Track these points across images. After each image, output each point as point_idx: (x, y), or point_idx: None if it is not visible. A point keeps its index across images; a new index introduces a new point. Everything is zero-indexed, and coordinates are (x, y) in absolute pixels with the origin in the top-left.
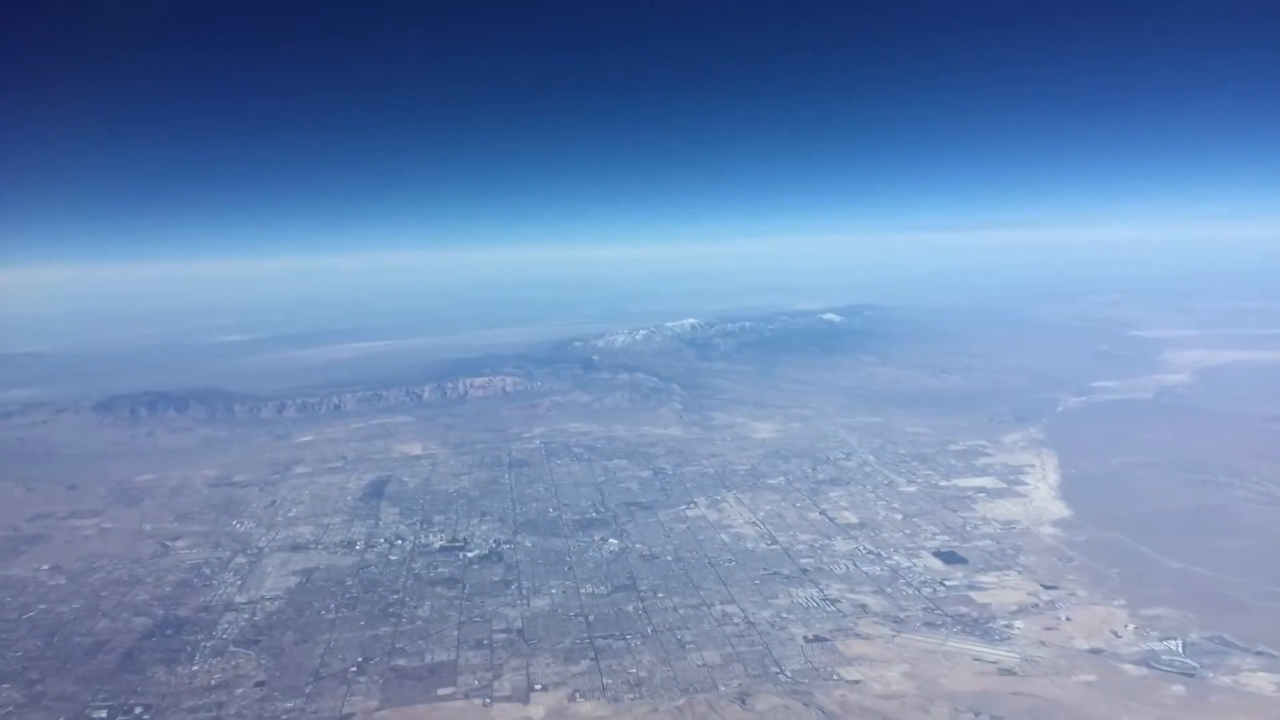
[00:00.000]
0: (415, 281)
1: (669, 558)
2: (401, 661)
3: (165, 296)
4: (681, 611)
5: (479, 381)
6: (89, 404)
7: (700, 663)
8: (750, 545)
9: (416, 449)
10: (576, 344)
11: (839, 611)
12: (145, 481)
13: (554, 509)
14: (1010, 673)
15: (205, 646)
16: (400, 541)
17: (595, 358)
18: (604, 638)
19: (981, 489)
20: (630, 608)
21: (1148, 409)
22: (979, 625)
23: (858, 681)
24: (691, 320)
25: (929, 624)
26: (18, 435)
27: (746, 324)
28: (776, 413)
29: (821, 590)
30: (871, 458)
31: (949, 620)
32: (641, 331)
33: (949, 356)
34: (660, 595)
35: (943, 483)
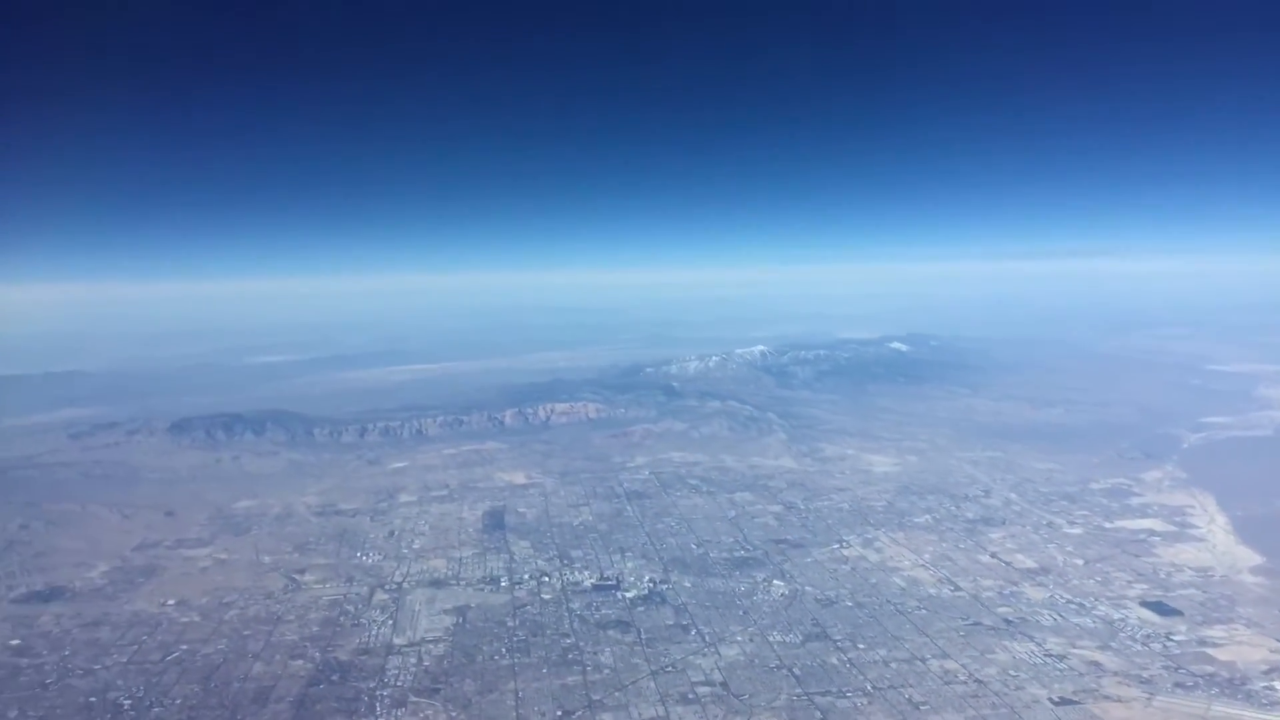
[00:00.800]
0: (429, 305)
1: (848, 603)
2: (606, 716)
3: (187, 316)
4: (894, 666)
5: (560, 407)
6: (162, 425)
7: None
8: (932, 591)
9: (520, 477)
10: (648, 370)
11: (1071, 669)
12: (245, 508)
13: (696, 545)
14: None
15: (383, 695)
16: (546, 579)
17: (675, 384)
18: (821, 695)
19: (1151, 531)
20: (834, 660)
21: (1277, 446)
22: (1236, 687)
23: None
24: (761, 347)
25: (1180, 685)
26: (95, 458)
27: (821, 352)
28: (887, 445)
29: (1039, 645)
30: (1014, 496)
31: (1200, 681)
32: (714, 358)
33: (1040, 389)
34: (861, 646)
35: (1107, 524)
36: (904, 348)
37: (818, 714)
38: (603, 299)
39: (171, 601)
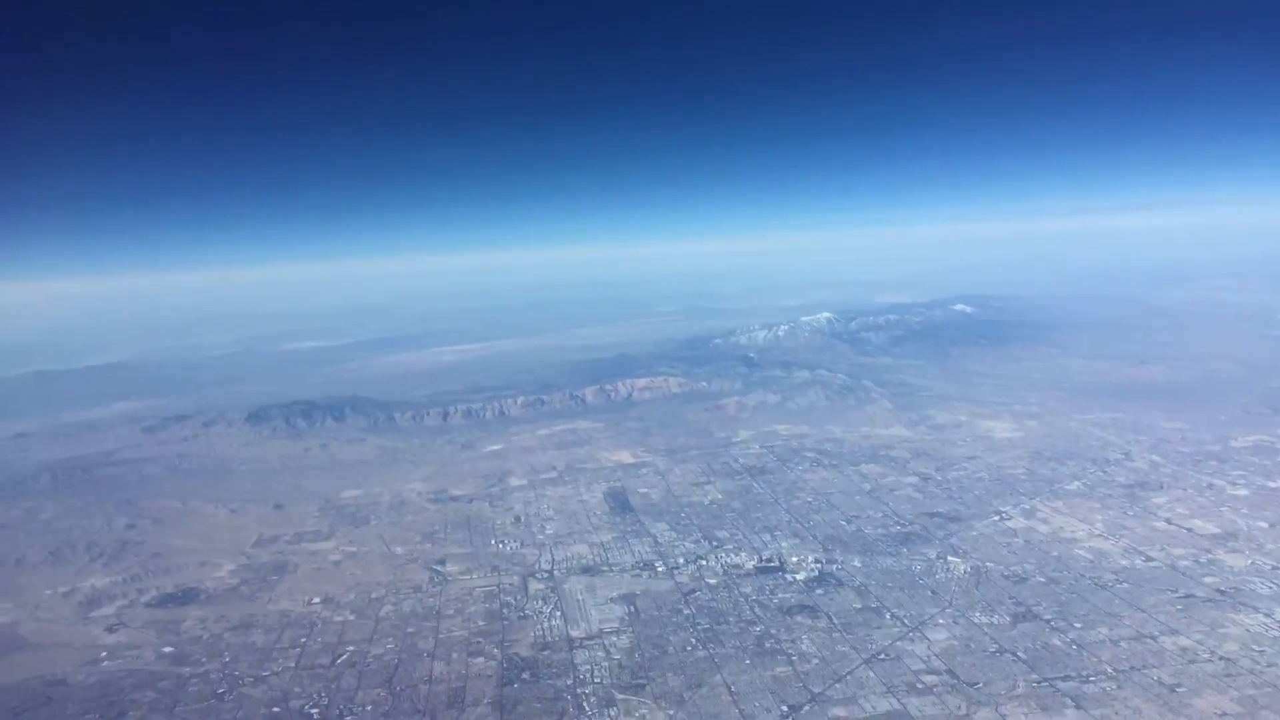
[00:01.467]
0: (435, 287)
1: (1040, 579)
2: (840, 711)
3: (201, 306)
4: (1124, 646)
5: (641, 383)
6: (239, 416)
7: (1218, 711)
8: (1124, 563)
9: (627, 456)
10: (716, 341)
11: None
12: (354, 498)
13: (845, 521)
14: None
15: (586, 694)
16: (703, 562)
17: (751, 355)
18: (1062, 680)
19: None
20: (1056, 641)
21: None
22: None
23: None
24: (826, 314)
25: None
26: (176, 451)
27: (891, 317)
28: (999, 410)
29: (1269, 616)
30: (1157, 458)
31: None
32: (783, 327)
33: (1128, 345)
34: (1078, 626)
35: (1271, 484)
36: (968, 309)
37: (1068, 701)
38: (613, 274)
39: (317, 599)
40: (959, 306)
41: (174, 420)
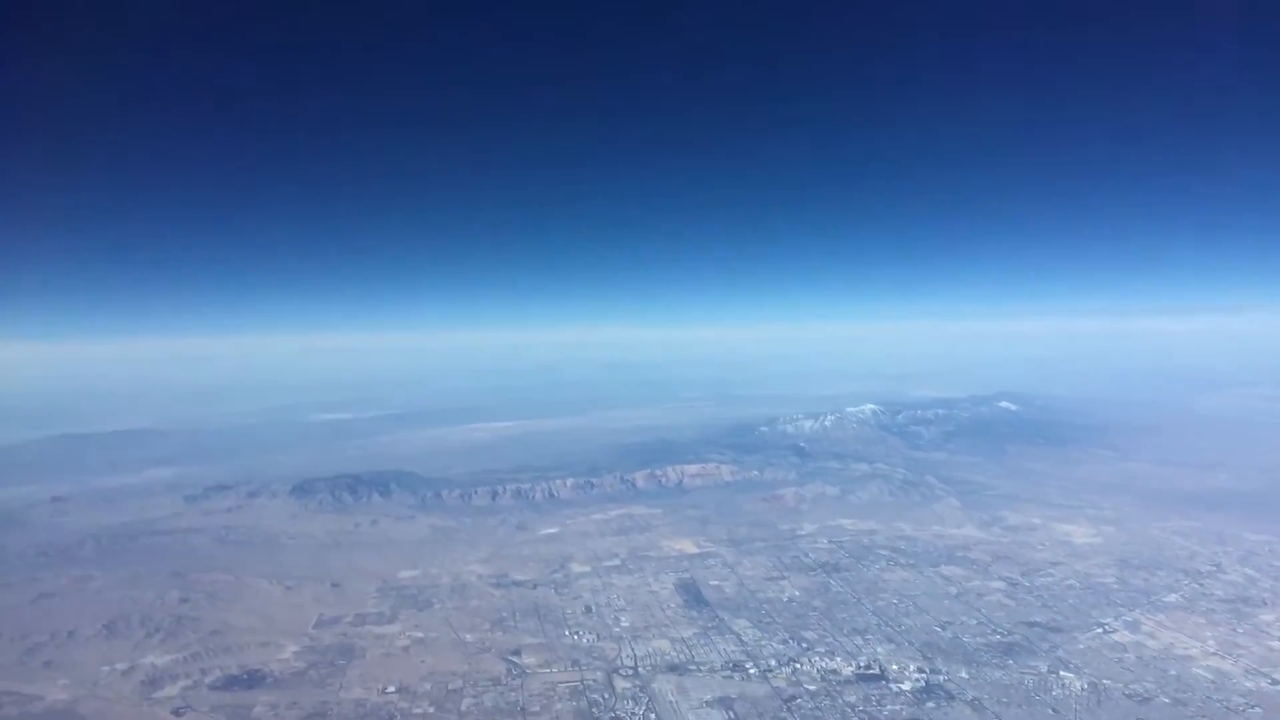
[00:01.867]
0: (452, 363)
1: (1164, 699)
2: None
3: (218, 373)
4: None
5: (692, 469)
6: (283, 488)
7: None
8: (1249, 684)
9: (690, 546)
10: (761, 429)
11: None
12: (412, 579)
13: (939, 627)
14: None
15: None
16: (796, 665)
17: (801, 445)
18: None
19: None
20: None
21: None
22: None
23: None
24: (871, 406)
25: None
26: (221, 522)
27: (939, 411)
28: (1072, 514)
29: None
30: (1250, 571)
31: None
32: (829, 417)
33: (1187, 452)
34: None
35: None
36: (1014, 407)
37: None
38: (624, 356)
39: (391, 688)
40: (1004, 404)
41: (216, 490)
